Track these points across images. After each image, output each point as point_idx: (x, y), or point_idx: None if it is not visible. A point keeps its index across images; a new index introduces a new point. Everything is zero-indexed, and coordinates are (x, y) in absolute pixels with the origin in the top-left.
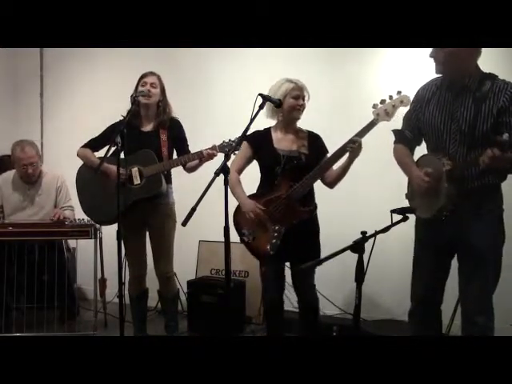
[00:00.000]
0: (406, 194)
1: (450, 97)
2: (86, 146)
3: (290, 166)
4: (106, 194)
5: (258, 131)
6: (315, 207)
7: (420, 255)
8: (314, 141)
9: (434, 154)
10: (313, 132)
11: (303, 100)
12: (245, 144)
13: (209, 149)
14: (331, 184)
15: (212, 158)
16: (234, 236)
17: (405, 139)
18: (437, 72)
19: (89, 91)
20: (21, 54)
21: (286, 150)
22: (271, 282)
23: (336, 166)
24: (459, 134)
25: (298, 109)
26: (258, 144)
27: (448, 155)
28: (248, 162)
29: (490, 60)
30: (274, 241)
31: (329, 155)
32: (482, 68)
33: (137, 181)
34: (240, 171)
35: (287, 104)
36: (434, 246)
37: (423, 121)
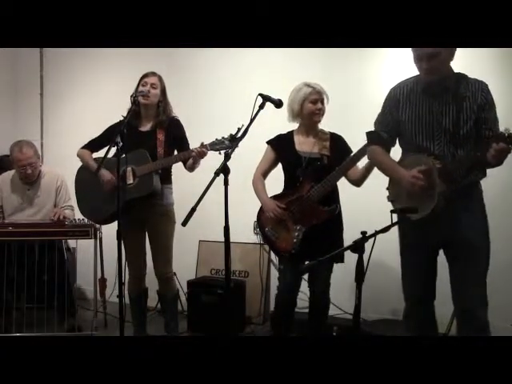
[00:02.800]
0: (388, 197)
1: (429, 98)
2: (85, 146)
3: (312, 168)
4: (101, 194)
5: (281, 135)
6: (336, 207)
7: (409, 255)
8: (337, 142)
9: (419, 153)
10: (336, 134)
11: (322, 104)
12: (268, 148)
13: (198, 147)
14: (357, 183)
15: (202, 157)
16: (234, 236)
17: (381, 140)
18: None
19: (89, 91)
20: (21, 53)
21: (308, 152)
22: (287, 282)
23: (361, 165)
24: (443, 135)
25: (317, 113)
26: (280, 147)
27: (435, 155)
28: (272, 165)
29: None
30: (295, 240)
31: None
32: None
33: (129, 180)
34: (264, 174)
35: (306, 109)
36: (423, 245)
37: (401, 122)
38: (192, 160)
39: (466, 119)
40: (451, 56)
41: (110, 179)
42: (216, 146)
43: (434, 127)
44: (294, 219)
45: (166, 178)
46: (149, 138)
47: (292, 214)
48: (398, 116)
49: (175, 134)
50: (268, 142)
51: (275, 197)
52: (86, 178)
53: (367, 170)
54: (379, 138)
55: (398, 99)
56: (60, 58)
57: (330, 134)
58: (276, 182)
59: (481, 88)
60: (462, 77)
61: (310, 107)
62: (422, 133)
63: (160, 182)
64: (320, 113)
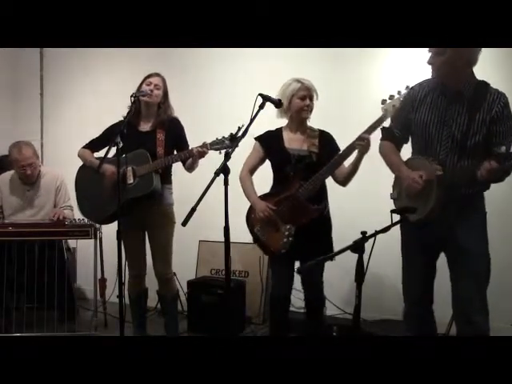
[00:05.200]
0: (391, 194)
1: (444, 102)
2: (86, 146)
3: (301, 165)
4: (101, 193)
5: (270, 131)
6: (326, 205)
7: (409, 256)
8: (326, 139)
9: (425, 157)
10: (324, 131)
11: (310, 100)
12: (256, 144)
13: (199, 147)
14: (343, 182)
15: (203, 156)
16: (234, 236)
17: (393, 137)
18: (433, 76)
19: (89, 91)
20: (21, 53)
21: (297, 149)
22: (280, 281)
23: (347, 164)
24: (451, 141)
25: (305, 109)
26: (269, 144)
27: (438, 160)
28: (260, 162)
29: (489, 63)
30: (286, 240)
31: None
32: (484, 71)
33: (130, 180)
34: (252, 171)
35: (294, 105)
36: (423, 246)
37: (414, 121)
38: (191, 160)
39: (476, 131)
40: (469, 62)
41: (112, 172)
42: (216, 145)
43: (444, 133)
44: (283, 218)
45: (166, 178)
46: (149, 137)
47: (281, 213)
48: (412, 115)
49: (175, 133)
50: (256, 138)
51: (264, 196)
52: (86, 178)
53: (353, 169)
54: (391, 134)
55: (415, 98)
56: (60, 58)
57: (319, 131)
58: (263, 180)
59: (498, 99)
60: (482, 85)
61: (297, 103)
62: (431, 136)
63: (160, 182)
64: (308, 109)
